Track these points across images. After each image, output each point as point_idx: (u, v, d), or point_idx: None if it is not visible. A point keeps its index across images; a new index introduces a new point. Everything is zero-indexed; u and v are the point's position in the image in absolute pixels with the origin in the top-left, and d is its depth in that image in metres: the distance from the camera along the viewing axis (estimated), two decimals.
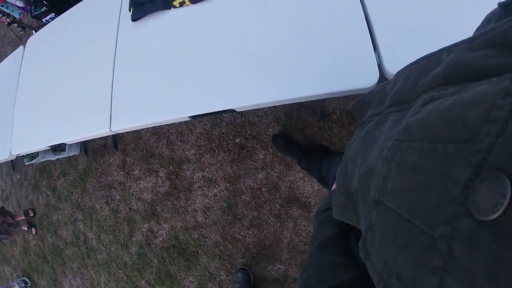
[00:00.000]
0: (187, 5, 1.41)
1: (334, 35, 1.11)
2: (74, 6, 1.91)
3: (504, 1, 0.36)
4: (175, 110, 1.30)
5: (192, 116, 1.27)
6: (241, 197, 2.23)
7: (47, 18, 3.19)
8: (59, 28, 1.97)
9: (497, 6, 0.37)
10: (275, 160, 2.13)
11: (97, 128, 1.50)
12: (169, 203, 2.51)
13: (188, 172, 2.41)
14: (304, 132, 2.05)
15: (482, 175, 0.21)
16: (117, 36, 1.60)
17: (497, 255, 0.18)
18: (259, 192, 2.17)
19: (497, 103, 0.21)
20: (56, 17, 3.05)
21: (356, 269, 0.50)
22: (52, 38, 1.99)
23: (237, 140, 2.24)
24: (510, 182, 0.18)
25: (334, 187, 0.79)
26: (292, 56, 1.15)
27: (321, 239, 0.59)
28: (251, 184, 2.20)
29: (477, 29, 0.40)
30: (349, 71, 1.06)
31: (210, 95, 1.24)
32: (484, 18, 0.40)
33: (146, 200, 2.62)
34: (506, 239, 0.18)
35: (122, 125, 1.43)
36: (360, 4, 1.09)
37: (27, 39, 2.13)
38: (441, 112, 0.28)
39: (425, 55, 0.40)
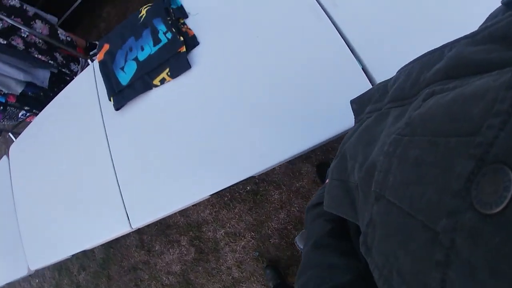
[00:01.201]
0: (168, 81, 1.39)
1: (325, 79, 1.10)
2: (49, 105, 1.89)
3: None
4: (193, 192, 1.25)
5: (212, 194, 1.23)
6: (270, 241, 2.19)
7: (20, 115, 3.17)
8: (39, 130, 1.93)
9: (500, 4, 0.37)
10: (291, 196, 2.12)
11: (116, 228, 1.44)
12: (200, 268, 2.44)
13: (209, 233, 2.37)
14: (310, 160, 2.05)
15: (485, 169, 0.20)
16: (104, 128, 1.56)
17: (500, 248, 0.18)
18: (285, 231, 2.14)
19: (499, 96, 0.21)
20: (28, 112, 3.07)
21: (353, 269, 0.49)
22: (35, 141, 1.94)
23: (248, 188, 2.22)
24: None
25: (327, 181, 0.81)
26: (290, 109, 1.13)
27: (315, 238, 0.58)
28: (276, 225, 2.16)
29: (484, 23, 0.39)
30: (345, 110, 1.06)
31: (222, 166, 1.21)
32: (487, 17, 0.40)
33: (176, 272, 2.55)
34: (509, 232, 0.18)
35: (142, 220, 1.37)
36: (345, 43, 1.09)
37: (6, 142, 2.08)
38: (443, 106, 0.28)
39: (428, 52, 0.40)
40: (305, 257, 0.58)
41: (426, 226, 0.25)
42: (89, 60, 1.84)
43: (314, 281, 0.50)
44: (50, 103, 1.88)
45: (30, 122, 2.54)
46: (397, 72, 0.47)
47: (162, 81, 1.39)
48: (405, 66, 0.45)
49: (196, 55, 1.35)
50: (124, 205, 1.43)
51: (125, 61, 1.50)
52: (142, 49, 1.46)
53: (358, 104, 0.61)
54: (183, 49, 1.33)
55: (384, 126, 0.42)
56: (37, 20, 2.45)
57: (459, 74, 0.31)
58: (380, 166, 0.35)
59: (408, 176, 0.29)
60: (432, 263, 0.23)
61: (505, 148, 0.19)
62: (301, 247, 1.48)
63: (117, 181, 1.47)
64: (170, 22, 1.41)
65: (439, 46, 0.39)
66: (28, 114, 3.14)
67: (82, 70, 2.86)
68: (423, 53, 0.42)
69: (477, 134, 0.22)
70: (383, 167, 0.34)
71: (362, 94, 0.60)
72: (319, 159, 2.03)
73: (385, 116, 0.44)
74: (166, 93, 1.40)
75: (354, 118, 0.64)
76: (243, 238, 2.27)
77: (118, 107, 1.49)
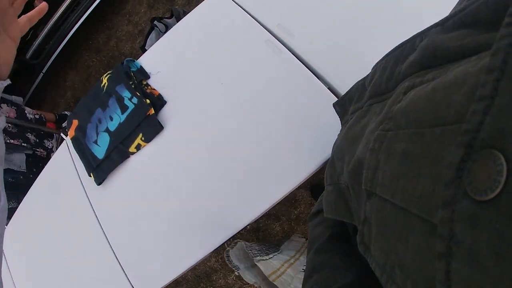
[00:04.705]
0: (144, 146, 1.37)
1: (296, 110, 1.10)
2: (31, 189, 1.82)
3: None
4: (193, 251, 1.20)
5: (213, 251, 1.19)
6: None
7: None
8: (27, 216, 1.84)
9: None
10: (292, 224, 2.09)
11: None
12: None
13: (220, 280, 2.30)
14: (302, 185, 1.99)
15: (475, 155, 0.20)
16: (90, 204, 1.49)
17: (502, 233, 0.18)
18: None
19: (480, 80, 0.21)
20: None
21: (355, 269, 0.49)
22: (25, 228, 1.84)
23: (248, 227, 2.15)
24: (504, 158, 0.18)
25: None
26: (270, 148, 1.12)
27: (317, 244, 0.58)
28: None
29: (453, 9, 0.39)
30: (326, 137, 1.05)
31: (216, 220, 1.17)
32: (456, 4, 0.40)
33: None
34: (508, 216, 0.17)
35: None
36: (308, 70, 1.10)
37: None
38: (424, 97, 0.28)
39: (399, 44, 0.41)
40: (308, 264, 0.58)
41: (422, 218, 0.25)
42: (62, 134, 1.80)
43: (319, 285, 0.50)
44: (32, 186, 1.83)
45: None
46: (372, 68, 0.48)
47: (138, 147, 1.37)
48: (379, 61, 0.46)
49: (166, 113, 1.34)
50: (128, 278, 1.37)
51: (97, 134, 1.48)
52: (111, 119, 1.44)
53: (341, 106, 0.62)
54: (152, 111, 1.32)
55: (366, 123, 0.43)
56: (2, 104, 2.43)
57: (435, 64, 0.30)
58: (367, 163, 0.35)
59: (398, 170, 0.29)
60: (434, 256, 0.22)
61: (493, 133, 0.19)
62: (236, 264, 1.43)
63: (116, 256, 1.41)
64: (133, 86, 1.40)
65: (409, 37, 0.39)
66: None
67: (57, 143, 2.84)
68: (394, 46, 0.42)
69: (462, 121, 0.22)
70: (370, 164, 0.34)
71: (343, 95, 0.60)
72: (310, 182, 2.02)
73: (366, 113, 0.45)
74: (145, 158, 1.37)
75: (340, 120, 0.65)
76: None
77: (99, 181, 1.45)
